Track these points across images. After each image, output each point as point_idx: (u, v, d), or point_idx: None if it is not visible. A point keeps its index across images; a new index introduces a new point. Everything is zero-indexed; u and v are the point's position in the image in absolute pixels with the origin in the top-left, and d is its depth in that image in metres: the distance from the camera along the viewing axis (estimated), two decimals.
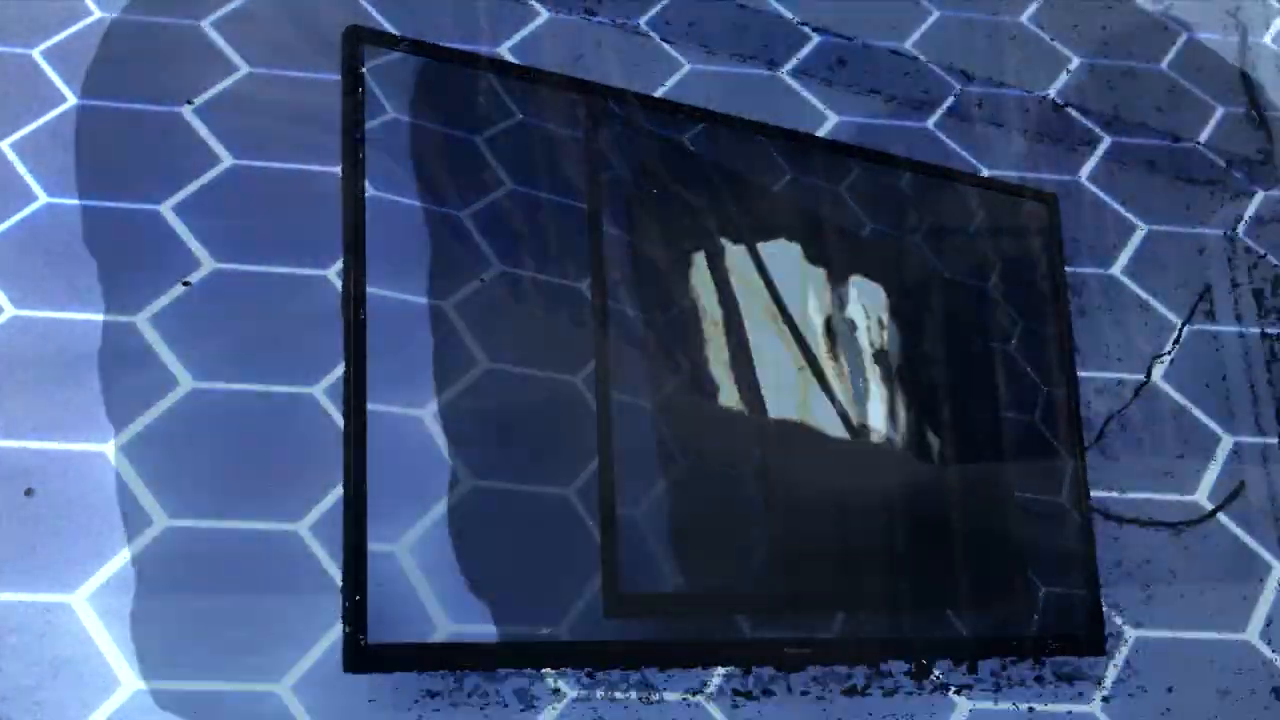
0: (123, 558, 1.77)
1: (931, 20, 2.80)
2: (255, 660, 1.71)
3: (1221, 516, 2.14)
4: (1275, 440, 2.24)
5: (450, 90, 2.15)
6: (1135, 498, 2.14)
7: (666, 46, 2.59)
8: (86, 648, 1.69)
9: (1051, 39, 2.83)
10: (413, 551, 1.80)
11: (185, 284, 2.04)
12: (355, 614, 1.65)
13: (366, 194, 1.83)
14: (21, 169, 2.15)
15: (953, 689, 1.88)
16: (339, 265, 1.85)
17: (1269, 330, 2.38)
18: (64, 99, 2.26)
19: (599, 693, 1.79)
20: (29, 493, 1.81)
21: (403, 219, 2.03)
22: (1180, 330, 2.36)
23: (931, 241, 2.27)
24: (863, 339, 2.11)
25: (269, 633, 1.74)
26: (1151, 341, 2.34)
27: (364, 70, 1.91)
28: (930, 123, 2.59)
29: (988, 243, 2.32)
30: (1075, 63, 2.78)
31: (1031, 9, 2.88)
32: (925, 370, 2.15)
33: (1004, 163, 2.54)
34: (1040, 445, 2.16)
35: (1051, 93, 2.72)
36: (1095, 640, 1.97)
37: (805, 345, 2.07)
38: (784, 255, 2.12)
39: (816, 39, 2.69)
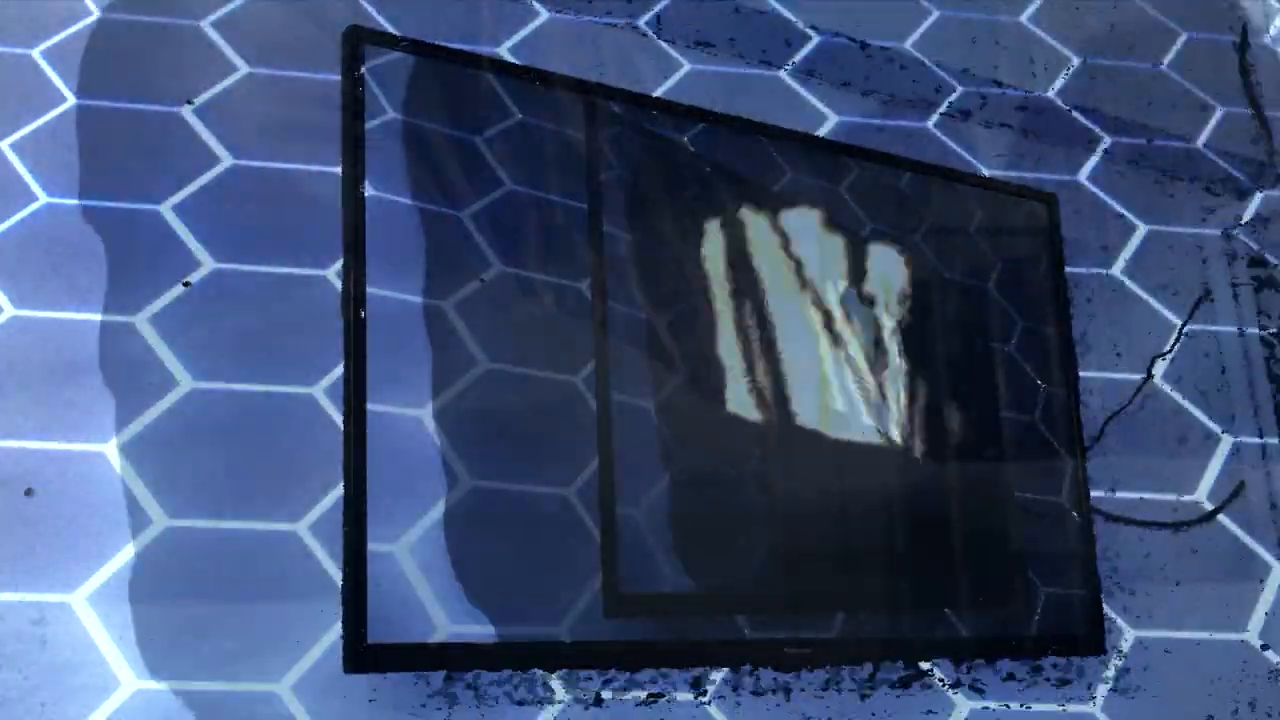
0: (123, 558, 1.77)
1: (931, 20, 2.80)
2: (255, 660, 1.71)
3: (1221, 516, 2.14)
4: (1275, 440, 2.24)
5: (450, 90, 2.15)
6: (1135, 498, 2.14)
7: (666, 46, 2.59)
8: (86, 648, 1.69)
9: (1051, 39, 2.83)
10: (413, 551, 1.80)
11: (185, 284, 2.04)
12: (355, 614, 1.65)
13: (366, 194, 1.83)
14: (21, 169, 2.15)
15: (952, 689, 1.88)
16: (339, 265, 1.85)
17: (1269, 330, 2.38)
18: (64, 99, 2.26)
19: (599, 693, 1.79)
20: (29, 493, 1.81)
21: (403, 219, 2.03)
22: (1180, 330, 2.36)
23: (931, 241, 2.27)
24: (881, 310, 2.11)
25: (269, 633, 1.74)
26: (1151, 341, 2.34)
27: (364, 70, 1.91)
28: (930, 123, 2.59)
29: (988, 243, 2.32)
30: (1075, 63, 2.78)
31: (1031, 9, 2.88)
32: (925, 371, 2.15)
33: (1004, 163, 2.54)
34: (1040, 445, 2.16)
35: (1051, 93, 2.71)
36: (1095, 640, 1.97)
37: (826, 313, 2.06)
38: (802, 223, 2.11)
39: (816, 39, 2.69)
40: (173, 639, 1.72)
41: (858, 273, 2.18)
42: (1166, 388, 2.28)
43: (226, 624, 1.74)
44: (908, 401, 2.11)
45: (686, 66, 2.57)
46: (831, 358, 2.09)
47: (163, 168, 2.19)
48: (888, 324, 2.15)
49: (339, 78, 1.89)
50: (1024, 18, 2.87)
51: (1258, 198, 2.59)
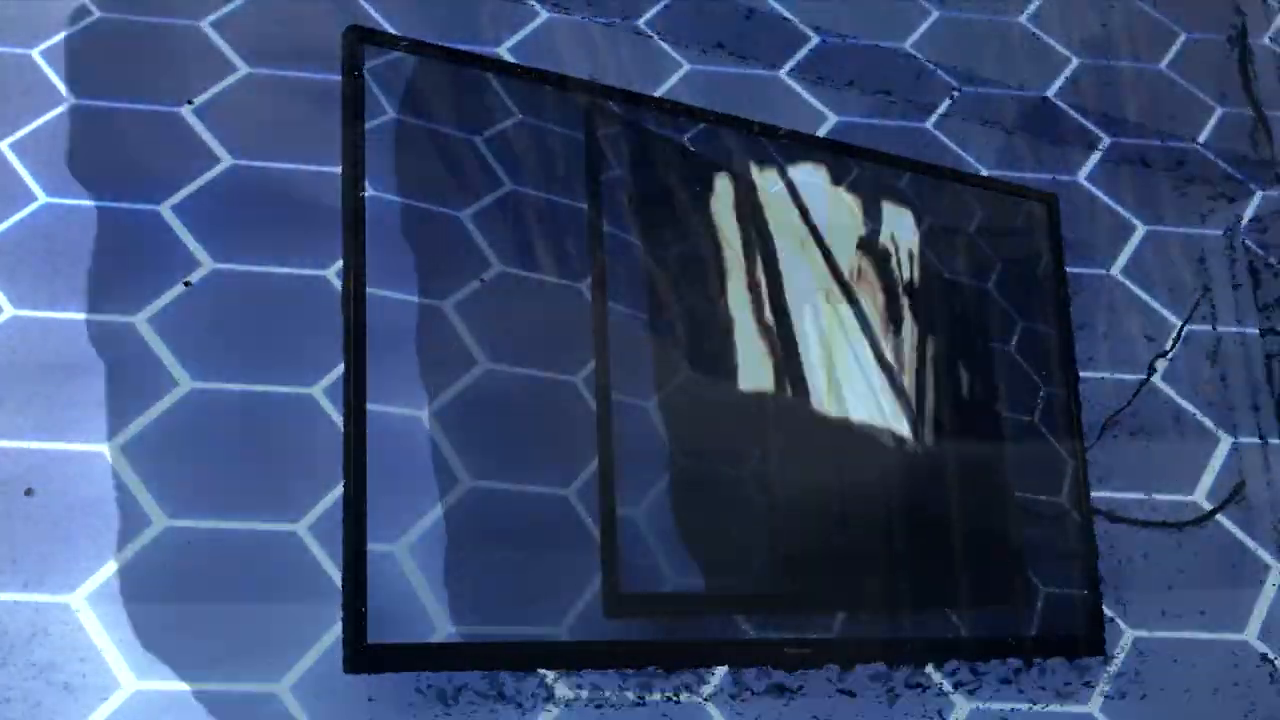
0: (122, 558, 1.77)
1: (931, 20, 2.80)
2: (255, 661, 1.71)
3: (1221, 516, 2.14)
4: (1275, 440, 2.24)
5: (450, 90, 2.15)
6: (1135, 498, 2.14)
7: (666, 46, 2.59)
8: (86, 648, 1.69)
9: (1051, 39, 2.83)
10: (413, 551, 1.80)
11: (185, 284, 2.04)
12: (355, 614, 1.65)
13: (366, 194, 1.83)
14: (21, 169, 2.15)
15: (952, 689, 1.88)
16: (339, 265, 1.85)
17: (1269, 330, 2.38)
18: (64, 99, 2.26)
19: (599, 693, 1.79)
20: (29, 493, 1.81)
21: (403, 219, 2.03)
22: (1180, 330, 2.36)
23: (931, 242, 2.27)
24: (881, 311, 2.11)
25: (268, 633, 1.74)
26: (1151, 341, 2.34)
27: (364, 70, 1.91)
28: (930, 123, 2.59)
29: (988, 243, 2.32)
30: (1075, 63, 2.78)
31: (1031, 9, 2.88)
32: (925, 371, 2.15)
33: (1004, 163, 2.54)
34: (1040, 445, 2.16)
35: (1051, 93, 2.72)
36: (1095, 640, 1.97)
37: (836, 273, 2.06)
38: (813, 181, 2.11)
39: (816, 39, 2.69)
40: (173, 639, 1.72)
41: (858, 272, 2.18)
42: (1166, 388, 2.28)
43: (226, 624, 1.74)
44: (908, 402, 2.11)
45: (686, 66, 2.57)
46: (832, 358, 2.09)
47: (163, 168, 2.19)
48: (889, 324, 2.15)
49: (339, 78, 1.89)
50: (1024, 18, 2.87)
51: (1258, 198, 2.59)
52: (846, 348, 2.10)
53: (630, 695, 1.79)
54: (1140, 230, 2.49)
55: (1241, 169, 2.64)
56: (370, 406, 1.74)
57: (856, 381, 2.08)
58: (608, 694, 1.79)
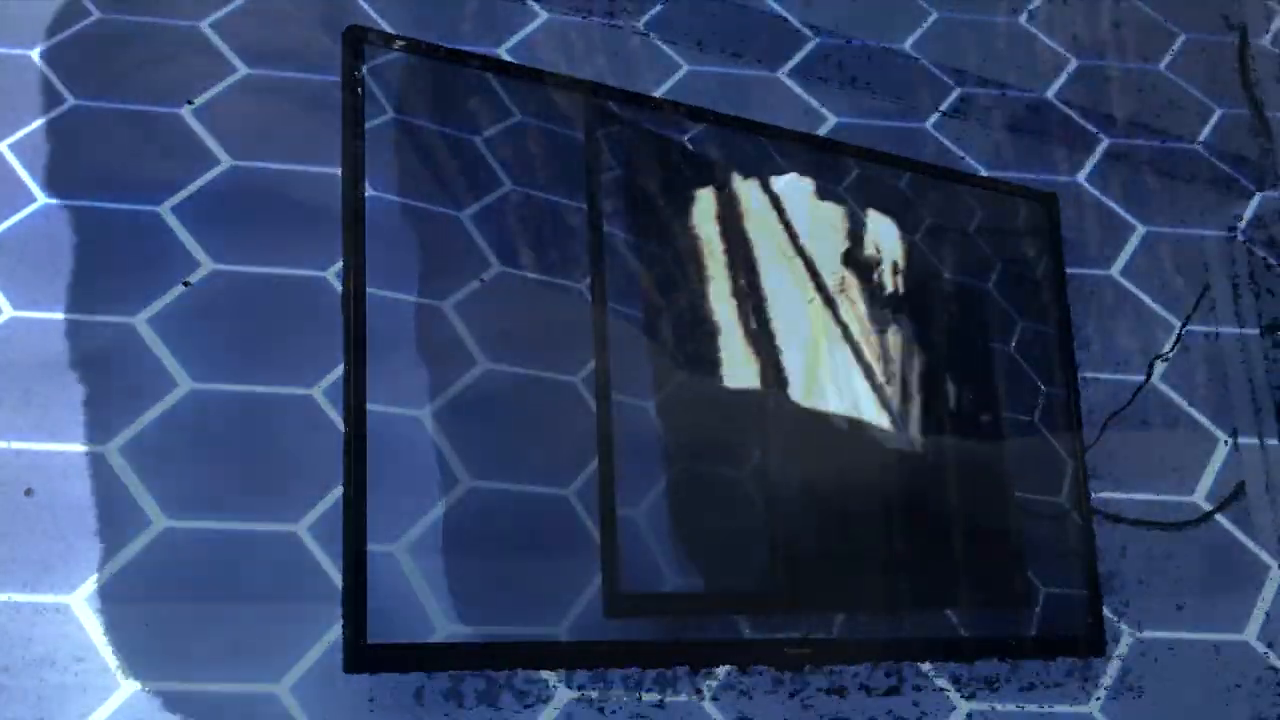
0: (122, 558, 1.77)
1: (931, 20, 2.80)
2: (255, 661, 1.71)
3: (1221, 516, 2.14)
4: (1275, 440, 2.24)
5: (450, 90, 2.15)
6: (1135, 498, 2.14)
7: (666, 47, 2.59)
8: (86, 648, 1.69)
9: (1051, 39, 2.83)
10: (413, 551, 1.80)
11: (185, 284, 2.04)
12: (355, 614, 1.65)
13: (366, 194, 1.83)
14: (21, 169, 2.15)
15: (952, 689, 1.88)
16: (339, 265, 1.85)
17: (1269, 330, 2.38)
18: (63, 99, 2.26)
19: (599, 693, 1.78)
20: (29, 493, 1.81)
21: (403, 219, 2.03)
22: (1180, 330, 2.36)
23: (931, 241, 2.27)
24: (880, 278, 2.11)
25: (268, 633, 1.74)
26: (1151, 341, 2.34)
27: (364, 70, 1.91)
28: (930, 123, 2.59)
29: (988, 243, 2.32)
30: (1074, 63, 2.78)
31: (1031, 9, 2.88)
32: (926, 371, 2.15)
33: (1004, 163, 2.54)
34: (1040, 445, 2.16)
35: (1051, 93, 2.71)
36: (1095, 641, 1.97)
37: (819, 282, 2.05)
38: (796, 192, 2.11)
39: (816, 39, 2.69)
40: (173, 639, 1.72)
41: (858, 272, 2.18)
42: (1166, 388, 2.28)
43: (226, 624, 1.74)
44: (908, 402, 2.11)
45: (686, 66, 2.57)
46: (832, 358, 2.09)
47: (162, 168, 2.19)
48: (889, 324, 2.15)
49: (339, 78, 1.89)
50: (1023, 18, 2.87)
51: (1258, 198, 2.59)
52: (846, 347, 2.10)
53: (630, 695, 1.79)
54: (1140, 230, 2.49)
55: (1241, 169, 2.64)
56: (370, 407, 1.74)
57: (857, 381, 2.08)
58: (608, 694, 1.79)
